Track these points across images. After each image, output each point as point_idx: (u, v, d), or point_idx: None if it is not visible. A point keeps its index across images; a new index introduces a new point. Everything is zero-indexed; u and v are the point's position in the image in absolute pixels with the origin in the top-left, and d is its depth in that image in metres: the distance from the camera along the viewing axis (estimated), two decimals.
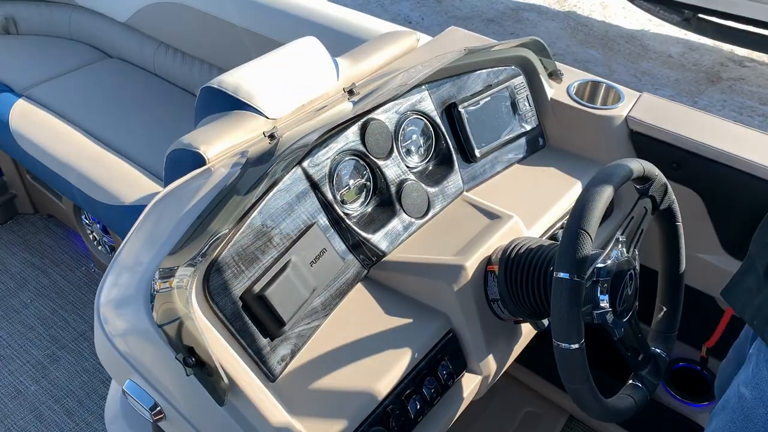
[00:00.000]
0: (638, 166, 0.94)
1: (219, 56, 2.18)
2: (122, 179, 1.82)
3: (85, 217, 2.15)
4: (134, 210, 1.76)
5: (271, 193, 1.01)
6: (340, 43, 1.76)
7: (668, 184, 1.02)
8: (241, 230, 0.96)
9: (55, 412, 1.81)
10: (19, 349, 1.97)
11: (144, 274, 0.92)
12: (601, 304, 0.93)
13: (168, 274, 0.88)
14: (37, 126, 1.99)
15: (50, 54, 2.44)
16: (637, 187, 1.00)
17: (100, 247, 2.17)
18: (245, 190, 0.96)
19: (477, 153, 1.29)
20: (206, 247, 0.88)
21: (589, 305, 0.92)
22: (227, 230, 0.91)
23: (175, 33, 2.26)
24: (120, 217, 1.80)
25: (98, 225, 2.10)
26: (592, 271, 0.92)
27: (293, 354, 0.98)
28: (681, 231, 1.06)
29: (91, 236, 2.18)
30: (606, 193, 0.87)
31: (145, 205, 1.80)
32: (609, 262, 0.93)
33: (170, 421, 0.92)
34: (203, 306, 0.89)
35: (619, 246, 0.96)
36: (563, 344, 0.84)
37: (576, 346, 0.84)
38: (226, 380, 0.82)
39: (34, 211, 2.44)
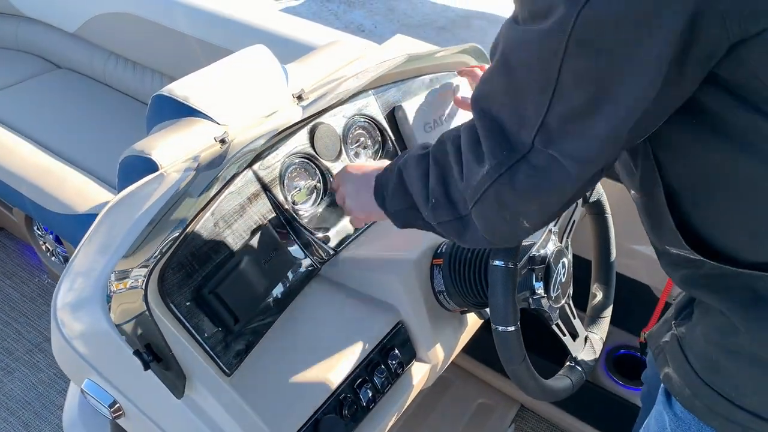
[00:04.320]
0: None
1: (169, 65, 2.20)
2: (74, 189, 1.83)
3: (37, 228, 2.14)
4: (87, 218, 1.77)
5: (223, 195, 1.05)
6: (289, 51, 1.81)
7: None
8: (194, 231, 0.99)
9: (10, 425, 1.80)
10: None
11: (99, 277, 0.95)
12: (537, 291, 1.00)
13: (123, 275, 0.91)
14: None
15: None
16: None
17: (53, 258, 2.16)
18: (197, 192, 1.00)
19: None
20: (160, 248, 0.91)
21: (526, 291, 0.99)
22: (180, 232, 0.95)
23: (125, 43, 2.27)
24: (73, 227, 1.80)
25: (51, 235, 2.09)
26: (526, 259, 0.99)
27: (248, 349, 1.02)
28: (610, 221, 1.14)
29: (43, 247, 2.16)
30: None
31: (97, 214, 1.81)
32: (542, 251, 1.00)
33: (129, 417, 0.95)
34: (158, 305, 0.92)
35: (553, 236, 1.04)
36: (500, 327, 0.90)
37: (512, 328, 0.90)
38: (183, 373, 0.86)
39: None
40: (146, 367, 0.85)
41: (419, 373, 1.13)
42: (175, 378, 0.87)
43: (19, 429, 1.79)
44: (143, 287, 0.86)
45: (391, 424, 1.09)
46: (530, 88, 0.64)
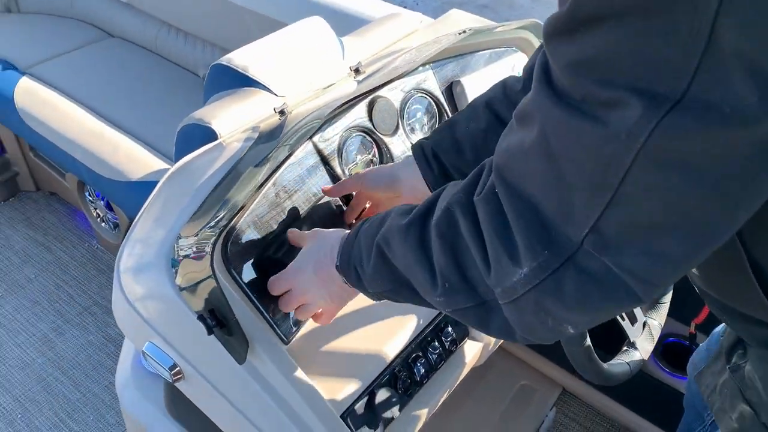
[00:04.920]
0: None
1: (221, 37, 2.21)
2: (127, 156, 1.86)
3: (89, 194, 2.18)
4: (139, 186, 1.80)
5: (285, 166, 1.05)
6: (343, 24, 1.80)
7: None
8: (256, 200, 1.00)
9: (62, 383, 1.85)
10: (26, 323, 2.01)
11: (163, 243, 0.96)
12: None
13: (189, 241, 0.92)
14: (42, 103, 2.02)
15: (52, 32, 2.45)
16: None
17: (103, 224, 2.20)
18: (261, 162, 1.00)
19: None
20: (225, 216, 0.92)
21: None
22: (244, 200, 0.96)
23: (178, 13, 2.29)
24: (125, 193, 1.84)
25: (102, 202, 2.13)
26: None
27: (305, 319, 1.03)
28: None
29: (94, 213, 2.21)
30: None
31: (150, 181, 1.83)
32: None
33: (188, 380, 0.97)
34: (222, 271, 0.93)
35: None
36: None
37: None
38: (246, 340, 0.87)
39: (36, 189, 2.47)
40: (210, 331, 0.86)
41: (471, 351, 1.13)
42: (237, 344, 0.88)
43: (69, 387, 1.84)
44: (210, 253, 0.87)
45: (442, 399, 1.09)
46: (580, 184, 0.50)
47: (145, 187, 1.78)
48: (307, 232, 0.89)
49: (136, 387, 1.35)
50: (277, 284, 0.89)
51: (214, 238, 0.89)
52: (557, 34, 0.48)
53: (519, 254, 0.54)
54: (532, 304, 0.56)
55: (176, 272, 0.91)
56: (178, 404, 1.26)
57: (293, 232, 0.95)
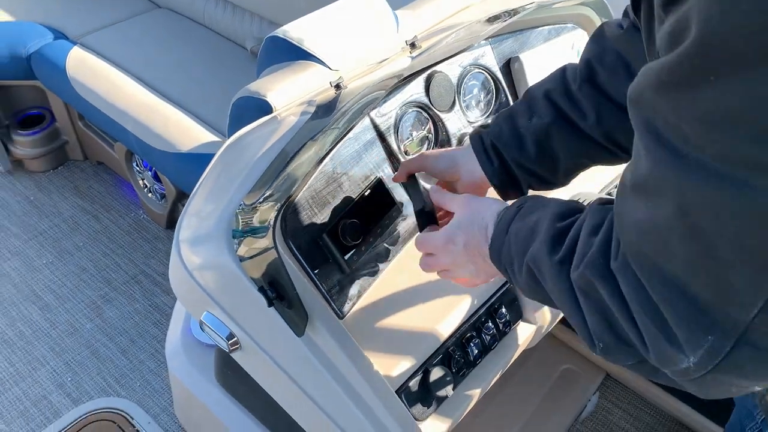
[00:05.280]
0: None
1: (269, 9, 2.19)
2: (177, 128, 1.87)
3: (137, 165, 2.21)
4: (189, 158, 1.81)
5: (342, 141, 1.04)
6: None
7: None
8: (314, 175, 0.99)
9: (109, 349, 1.90)
10: (74, 289, 2.06)
11: (223, 214, 0.96)
12: None
13: (249, 212, 0.92)
14: (94, 73, 2.04)
15: (101, 3, 2.47)
16: None
17: (150, 195, 2.23)
18: (319, 137, 1.00)
19: None
20: (285, 189, 0.91)
21: None
22: (303, 174, 0.95)
23: None
24: (174, 164, 1.85)
25: (150, 172, 2.16)
26: None
27: (359, 294, 1.03)
28: None
29: (141, 183, 2.24)
30: None
31: (200, 153, 1.84)
32: None
33: (245, 351, 0.97)
34: (281, 244, 0.93)
35: None
36: None
37: None
38: (306, 312, 0.87)
39: (84, 158, 2.51)
40: (270, 303, 0.86)
41: (524, 334, 1.12)
42: (296, 316, 0.88)
43: (116, 354, 1.88)
44: (272, 225, 0.87)
45: (494, 380, 1.08)
46: (738, 260, 0.43)
47: (194, 159, 1.79)
48: (458, 196, 0.81)
49: (186, 355, 1.38)
50: (424, 245, 0.82)
51: (275, 210, 0.88)
52: (676, 84, 0.41)
53: (679, 341, 0.48)
54: (711, 381, 0.50)
55: (237, 243, 0.91)
56: (227, 374, 1.28)
57: (440, 193, 0.85)
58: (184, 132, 1.86)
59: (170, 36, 2.29)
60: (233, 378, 1.25)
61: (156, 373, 1.84)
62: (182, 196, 2.10)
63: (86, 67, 2.07)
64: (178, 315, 1.44)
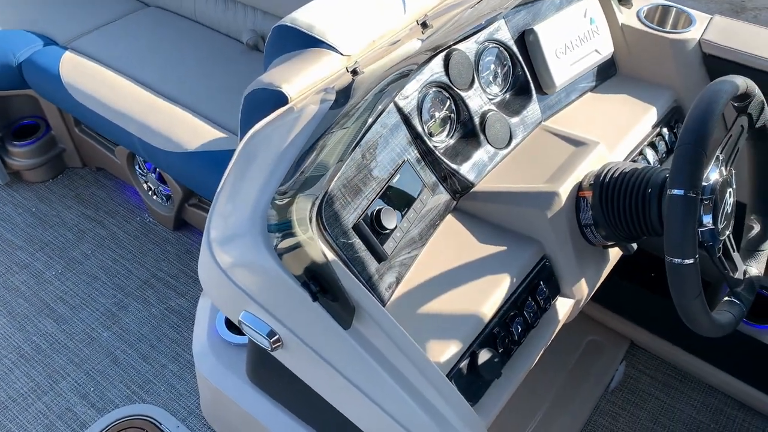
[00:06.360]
0: (742, 82, 0.94)
1: (263, 0, 2.15)
2: (180, 126, 1.83)
3: (139, 167, 2.17)
4: (195, 156, 1.78)
5: (370, 127, 1.02)
6: None
7: (765, 101, 1.01)
8: (346, 163, 0.97)
9: (129, 356, 1.87)
10: (87, 298, 2.03)
11: (255, 209, 0.94)
12: (704, 222, 0.94)
13: (284, 206, 0.89)
14: (89, 77, 2.00)
15: (87, 6, 2.41)
16: (736, 104, 1.00)
17: (155, 197, 2.20)
18: (345, 124, 0.97)
19: (555, 81, 1.28)
20: (320, 179, 0.89)
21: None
22: (335, 163, 0.93)
23: None
24: (180, 164, 1.82)
25: (153, 174, 2.12)
26: None
27: (398, 281, 1.01)
28: None
29: (145, 186, 2.20)
30: (717, 109, 0.87)
31: (207, 151, 1.81)
32: (711, 180, 0.94)
33: (288, 348, 0.95)
34: (319, 236, 0.91)
35: (719, 164, 0.97)
36: (677, 260, 0.86)
37: (690, 261, 0.85)
38: (352, 305, 0.85)
39: (83, 165, 2.47)
40: (314, 298, 0.84)
41: (563, 308, 1.11)
42: (342, 309, 0.86)
43: (138, 361, 1.86)
44: (310, 218, 0.84)
45: (538, 357, 1.07)
46: None
47: (201, 157, 1.76)
48: None
49: (215, 356, 1.36)
50: None
51: (313, 201, 0.86)
52: None
53: None
54: None
55: (274, 238, 0.89)
56: (261, 372, 1.26)
57: None
58: (188, 130, 1.82)
59: (163, 34, 2.25)
60: (269, 376, 1.23)
61: (179, 376, 1.82)
62: (189, 196, 2.07)
63: (81, 72, 2.02)
64: (203, 316, 1.42)
